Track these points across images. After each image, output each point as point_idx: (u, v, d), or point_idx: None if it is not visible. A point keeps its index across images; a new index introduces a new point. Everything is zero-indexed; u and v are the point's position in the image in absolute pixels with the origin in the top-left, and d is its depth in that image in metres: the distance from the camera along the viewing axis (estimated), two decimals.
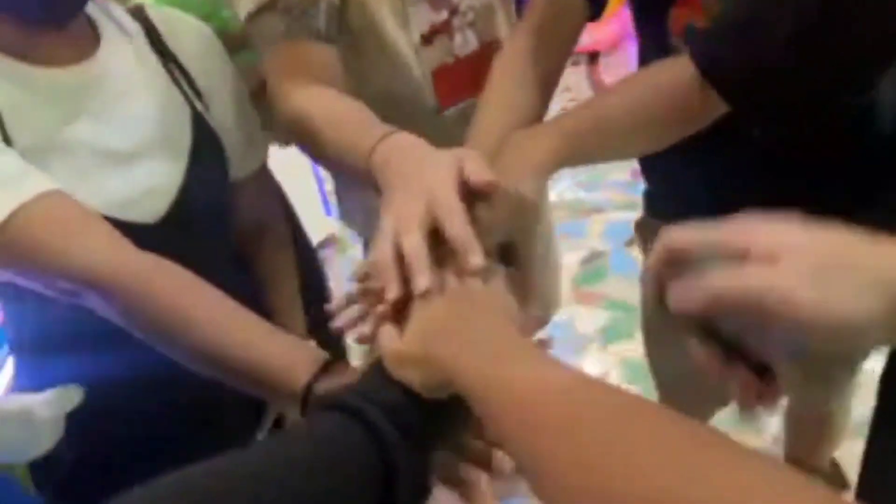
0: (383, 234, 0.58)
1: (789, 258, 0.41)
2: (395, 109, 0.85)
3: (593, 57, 3.78)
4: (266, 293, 1.01)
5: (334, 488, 0.43)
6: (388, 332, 0.54)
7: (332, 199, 1.63)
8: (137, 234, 0.72)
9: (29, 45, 0.75)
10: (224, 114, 0.91)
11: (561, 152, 0.70)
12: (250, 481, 0.40)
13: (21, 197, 0.66)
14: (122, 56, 0.83)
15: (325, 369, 0.61)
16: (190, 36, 0.90)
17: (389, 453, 0.46)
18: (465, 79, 1.00)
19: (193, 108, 0.87)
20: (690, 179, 0.91)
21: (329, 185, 2.75)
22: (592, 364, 2.04)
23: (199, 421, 0.88)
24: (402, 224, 0.57)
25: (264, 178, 1.03)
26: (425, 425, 0.49)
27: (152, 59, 0.86)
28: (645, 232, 1.09)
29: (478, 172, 0.59)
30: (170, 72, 0.87)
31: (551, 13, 0.81)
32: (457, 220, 0.56)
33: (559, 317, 1.45)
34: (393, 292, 0.54)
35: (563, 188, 3.07)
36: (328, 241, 2.98)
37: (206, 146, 0.87)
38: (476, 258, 0.54)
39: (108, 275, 0.65)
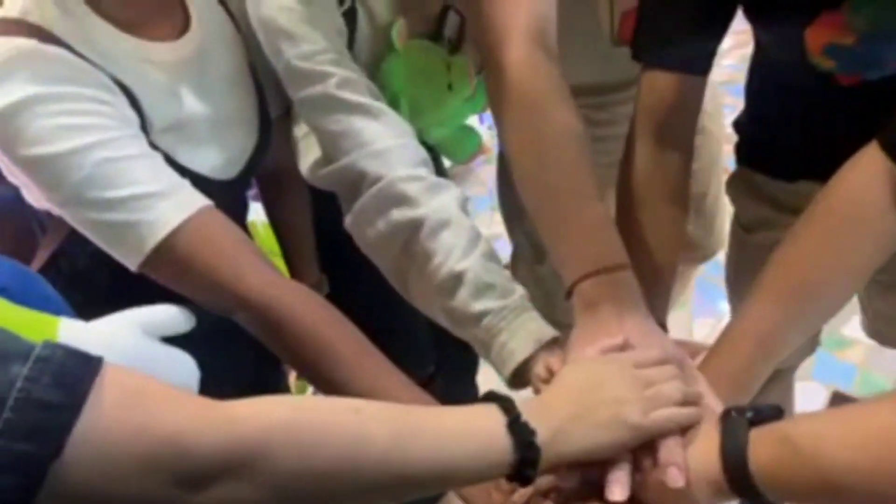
0: None
1: None
2: (570, 35, 0.82)
3: None
4: (283, 235, 1.03)
5: None
6: None
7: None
8: (215, 188, 0.74)
9: (142, 22, 0.75)
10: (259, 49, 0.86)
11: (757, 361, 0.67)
12: None
13: (185, 210, 0.67)
14: (207, 22, 0.82)
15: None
16: None
17: None
18: None
19: (251, 59, 0.86)
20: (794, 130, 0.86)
21: None
22: None
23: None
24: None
25: (289, 121, 1.02)
26: None
27: (222, 14, 0.85)
28: (738, 184, 0.99)
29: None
30: (232, 18, 0.85)
31: (665, 110, 0.77)
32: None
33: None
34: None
35: None
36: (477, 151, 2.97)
37: (264, 101, 0.88)
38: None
39: (255, 300, 0.67)
